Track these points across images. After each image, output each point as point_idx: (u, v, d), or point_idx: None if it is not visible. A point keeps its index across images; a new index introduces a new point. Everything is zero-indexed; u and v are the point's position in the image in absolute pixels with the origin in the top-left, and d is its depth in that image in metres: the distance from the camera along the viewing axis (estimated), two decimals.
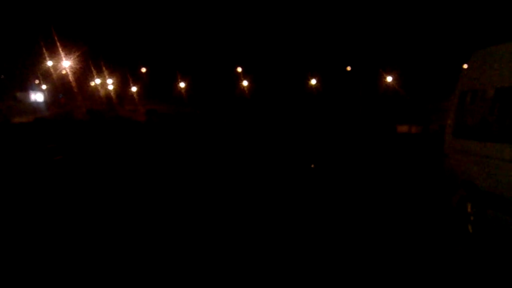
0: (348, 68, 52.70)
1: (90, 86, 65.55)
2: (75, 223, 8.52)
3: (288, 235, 7.77)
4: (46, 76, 61.62)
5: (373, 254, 6.83)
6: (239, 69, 60.83)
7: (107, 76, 64.30)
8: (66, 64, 57.24)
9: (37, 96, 66.62)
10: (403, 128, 41.84)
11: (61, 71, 59.60)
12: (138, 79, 65.63)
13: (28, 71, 62.06)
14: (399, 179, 13.49)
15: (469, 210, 7.87)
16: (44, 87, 66.11)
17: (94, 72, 62.31)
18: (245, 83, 60.92)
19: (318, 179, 13.67)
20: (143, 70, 66.57)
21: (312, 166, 16.57)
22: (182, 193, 11.43)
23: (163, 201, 10.44)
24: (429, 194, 10.82)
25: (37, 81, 65.20)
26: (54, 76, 60.28)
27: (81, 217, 8.97)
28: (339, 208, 9.82)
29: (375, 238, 7.65)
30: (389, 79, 48.76)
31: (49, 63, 57.66)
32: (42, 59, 56.99)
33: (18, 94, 63.10)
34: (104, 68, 61.80)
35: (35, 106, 62.49)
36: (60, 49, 53.45)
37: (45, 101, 65.97)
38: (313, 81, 56.25)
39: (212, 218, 8.91)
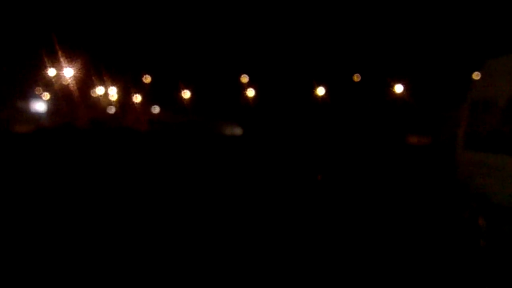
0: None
1: (92, 95, 65.80)
2: (79, 228, 8.65)
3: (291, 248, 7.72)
4: (48, 85, 61.94)
5: (384, 266, 6.76)
6: (244, 78, 60.84)
7: (109, 85, 64.52)
8: (68, 73, 57.32)
9: (38, 106, 67.23)
10: (412, 139, 41.70)
11: (63, 80, 59.77)
12: (141, 88, 65.92)
13: (30, 80, 62.24)
14: (409, 190, 13.44)
15: (480, 223, 7.86)
16: (45, 96, 66.47)
17: (97, 81, 62.49)
18: (250, 92, 60.90)
19: (325, 191, 13.63)
20: (146, 79, 66.85)
21: (319, 177, 16.40)
22: (184, 200, 11.48)
23: (166, 207, 10.57)
24: (440, 206, 10.74)
25: (38, 90, 65.55)
26: (56, 85, 60.52)
27: (84, 222, 9.13)
28: (347, 220, 9.81)
29: (384, 250, 7.61)
30: (397, 88, 48.53)
31: (51, 72, 57.79)
32: (43, 68, 57.17)
33: (19, 103, 63.60)
34: (106, 77, 61.99)
35: (36, 115, 62.93)
36: (62, 58, 53.69)
37: (46, 111, 66.48)
38: (320, 90, 56.13)
39: (215, 228, 8.92)
